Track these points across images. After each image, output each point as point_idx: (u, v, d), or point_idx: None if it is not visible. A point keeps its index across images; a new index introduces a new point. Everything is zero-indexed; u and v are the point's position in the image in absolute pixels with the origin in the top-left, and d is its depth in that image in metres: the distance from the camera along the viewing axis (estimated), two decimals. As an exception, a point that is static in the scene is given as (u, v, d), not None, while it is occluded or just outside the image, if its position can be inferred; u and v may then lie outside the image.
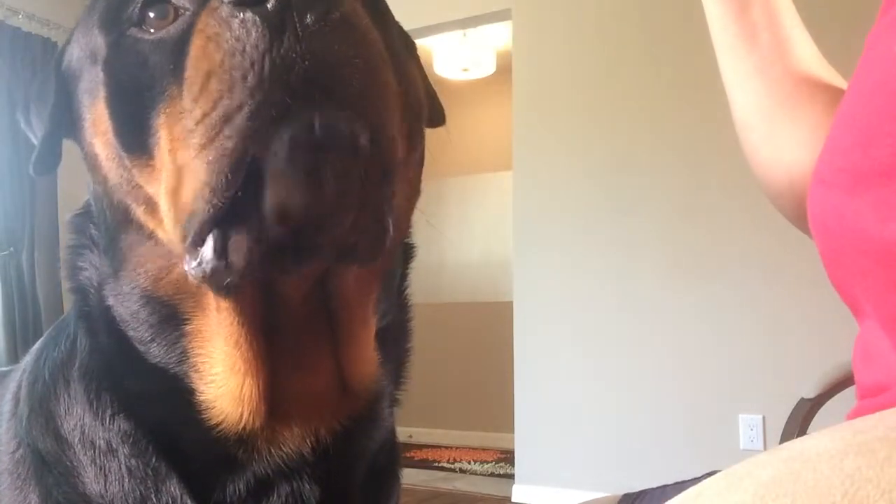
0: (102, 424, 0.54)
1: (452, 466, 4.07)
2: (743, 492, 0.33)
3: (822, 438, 0.35)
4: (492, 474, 3.86)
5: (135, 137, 0.49)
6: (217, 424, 0.52)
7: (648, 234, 3.00)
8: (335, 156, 0.43)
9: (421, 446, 4.65)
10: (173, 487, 0.53)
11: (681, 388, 2.89)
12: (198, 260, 0.45)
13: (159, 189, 0.48)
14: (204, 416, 0.52)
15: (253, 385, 0.51)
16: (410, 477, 3.73)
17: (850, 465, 0.31)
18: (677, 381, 2.90)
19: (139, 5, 0.50)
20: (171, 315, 0.52)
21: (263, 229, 0.43)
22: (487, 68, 4.73)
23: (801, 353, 2.65)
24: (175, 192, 0.46)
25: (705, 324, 2.88)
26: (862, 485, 0.29)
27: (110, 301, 0.55)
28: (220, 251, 0.44)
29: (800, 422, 1.44)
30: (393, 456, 0.66)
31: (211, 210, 0.43)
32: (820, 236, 0.54)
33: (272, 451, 0.53)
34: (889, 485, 0.29)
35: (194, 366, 0.52)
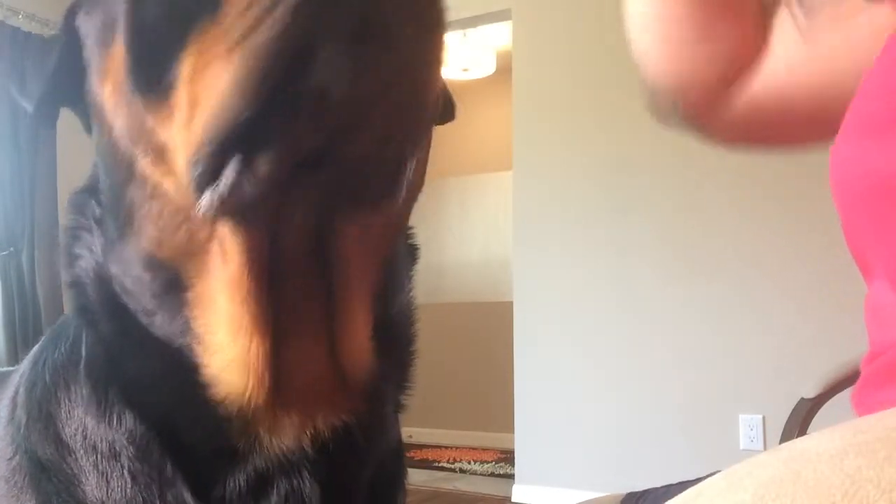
0: (109, 425, 0.53)
1: (452, 466, 4.07)
2: (743, 492, 0.33)
3: (822, 438, 0.35)
4: (492, 474, 3.86)
5: (153, 76, 0.46)
6: (222, 400, 0.50)
7: (648, 234, 3.00)
8: (387, 44, 0.41)
9: (421, 446, 4.65)
10: (177, 490, 0.51)
11: (681, 388, 2.90)
12: (216, 182, 0.43)
13: (171, 130, 0.46)
14: (209, 394, 0.50)
15: (259, 346, 0.49)
16: (410, 477, 3.71)
17: (851, 464, 0.31)
18: (677, 381, 2.90)
19: None
20: (174, 280, 0.50)
21: (299, 128, 0.41)
22: (487, 68, 4.74)
23: (801, 353, 2.65)
24: (191, 122, 0.44)
25: (705, 324, 2.88)
26: (862, 484, 0.29)
27: (114, 270, 0.53)
28: (247, 158, 0.42)
29: (800, 422, 1.44)
30: (399, 464, 0.64)
31: (240, 115, 0.41)
32: (839, 189, 0.55)
33: (273, 441, 0.51)
34: (889, 484, 0.29)
35: (198, 336, 0.50)
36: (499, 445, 4.51)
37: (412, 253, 0.63)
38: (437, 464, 4.14)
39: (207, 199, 0.44)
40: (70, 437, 0.54)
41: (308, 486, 0.52)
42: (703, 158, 2.91)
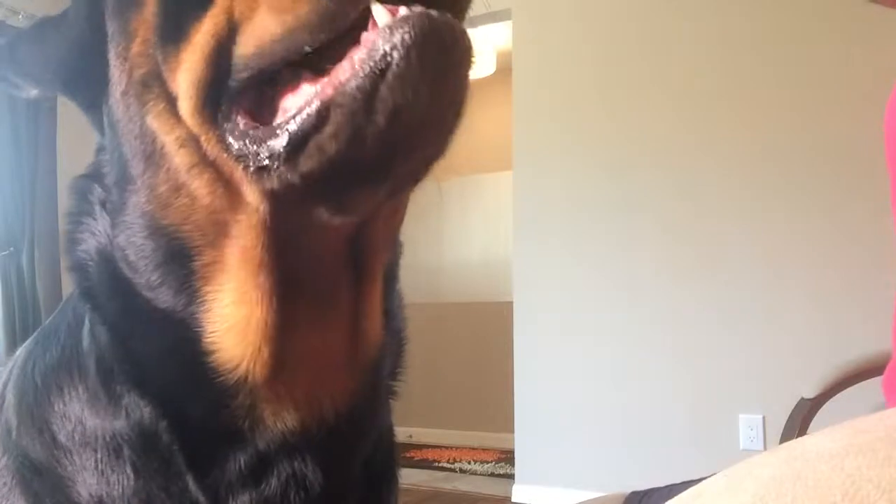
0: (115, 417, 0.52)
1: (452, 466, 4.07)
2: (743, 492, 0.33)
3: (822, 438, 0.35)
4: (492, 474, 3.86)
5: (179, 25, 0.47)
6: (223, 371, 0.49)
7: (648, 234, 3.00)
8: (453, 55, 0.42)
9: (421, 446, 4.65)
10: (182, 479, 0.51)
11: (681, 388, 2.90)
12: (244, 135, 0.44)
13: (184, 75, 0.46)
14: (212, 365, 0.49)
15: (260, 317, 0.48)
16: (410, 477, 3.73)
17: (851, 464, 0.31)
18: (677, 381, 2.90)
19: None
20: (180, 249, 0.49)
21: (362, 122, 0.40)
22: (487, 68, 4.74)
23: (801, 353, 2.65)
24: (217, 51, 0.45)
25: (705, 324, 2.88)
26: (862, 484, 0.29)
27: (119, 244, 0.52)
28: (298, 142, 0.41)
29: (800, 422, 1.44)
30: (391, 455, 0.64)
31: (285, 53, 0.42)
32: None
33: (276, 422, 0.50)
34: (889, 484, 0.29)
35: (203, 305, 0.49)
36: (499, 445, 4.51)
37: (399, 247, 0.64)
38: (437, 464, 4.14)
39: (231, 142, 0.45)
40: (67, 438, 0.54)
41: (311, 471, 0.51)
42: (703, 159, 2.91)
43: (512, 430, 3.26)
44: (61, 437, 0.54)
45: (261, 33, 0.43)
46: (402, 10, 0.40)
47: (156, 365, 0.51)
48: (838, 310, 2.61)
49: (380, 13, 0.40)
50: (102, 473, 0.52)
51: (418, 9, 0.40)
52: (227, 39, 0.45)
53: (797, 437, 0.57)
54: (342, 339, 0.52)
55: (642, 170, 3.03)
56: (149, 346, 0.52)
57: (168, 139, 0.48)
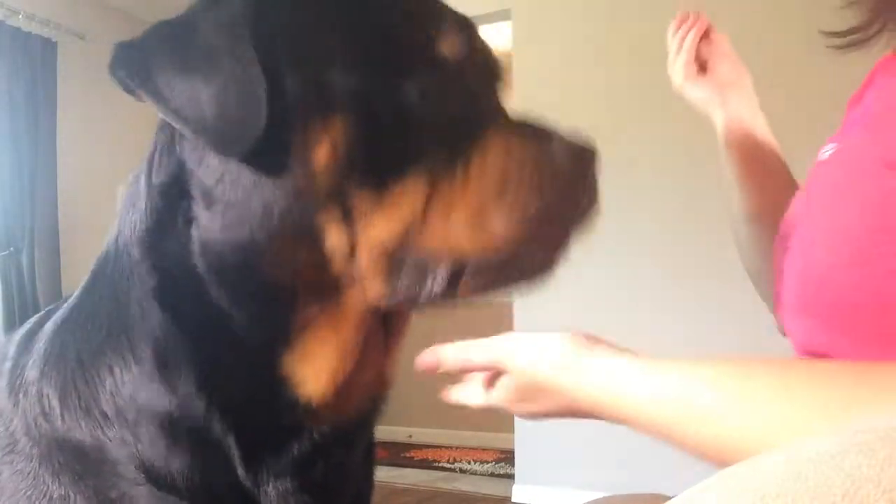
0: (171, 401, 0.55)
1: (452, 466, 4.07)
2: (743, 491, 0.33)
3: (822, 438, 0.35)
4: (492, 474, 3.86)
5: (382, 175, 0.53)
6: (289, 391, 0.56)
7: (649, 233, 3.00)
8: None
9: (421, 446, 4.65)
10: (231, 468, 0.55)
11: (681, 388, 2.89)
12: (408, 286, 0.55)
13: (383, 231, 0.53)
14: (280, 386, 0.56)
15: (335, 361, 0.57)
16: (410, 477, 3.73)
17: (851, 464, 0.31)
18: (677, 381, 2.90)
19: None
20: (288, 300, 0.55)
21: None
22: (487, 68, 4.73)
23: (801, 353, 2.65)
24: (412, 231, 0.54)
25: (706, 324, 2.88)
26: (862, 484, 0.30)
27: (219, 276, 0.54)
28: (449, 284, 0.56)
29: (800, 422, 1.44)
30: (370, 460, 0.70)
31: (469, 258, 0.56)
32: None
33: (326, 425, 0.58)
34: (890, 484, 0.29)
35: (288, 343, 0.56)
36: (499, 445, 4.51)
37: None
38: (437, 464, 4.14)
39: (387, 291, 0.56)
40: (118, 414, 0.55)
41: (344, 455, 0.61)
42: (704, 159, 2.91)
43: (512, 430, 3.26)
44: (111, 413, 0.56)
45: (446, 235, 0.55)
46: None
47: (225, 373, 0.56)
48: (838, 310, 2.61)
49: None
50: (160, 447, 0.55)
51: None
52: (420, 220, 0.54)
53: (797, 436, 0.57)
54: (374, 380, 0.62)
55: (643, 169, 3.03)
56: (222, 357, 0.56)
57: (332, 242, 0.53)
